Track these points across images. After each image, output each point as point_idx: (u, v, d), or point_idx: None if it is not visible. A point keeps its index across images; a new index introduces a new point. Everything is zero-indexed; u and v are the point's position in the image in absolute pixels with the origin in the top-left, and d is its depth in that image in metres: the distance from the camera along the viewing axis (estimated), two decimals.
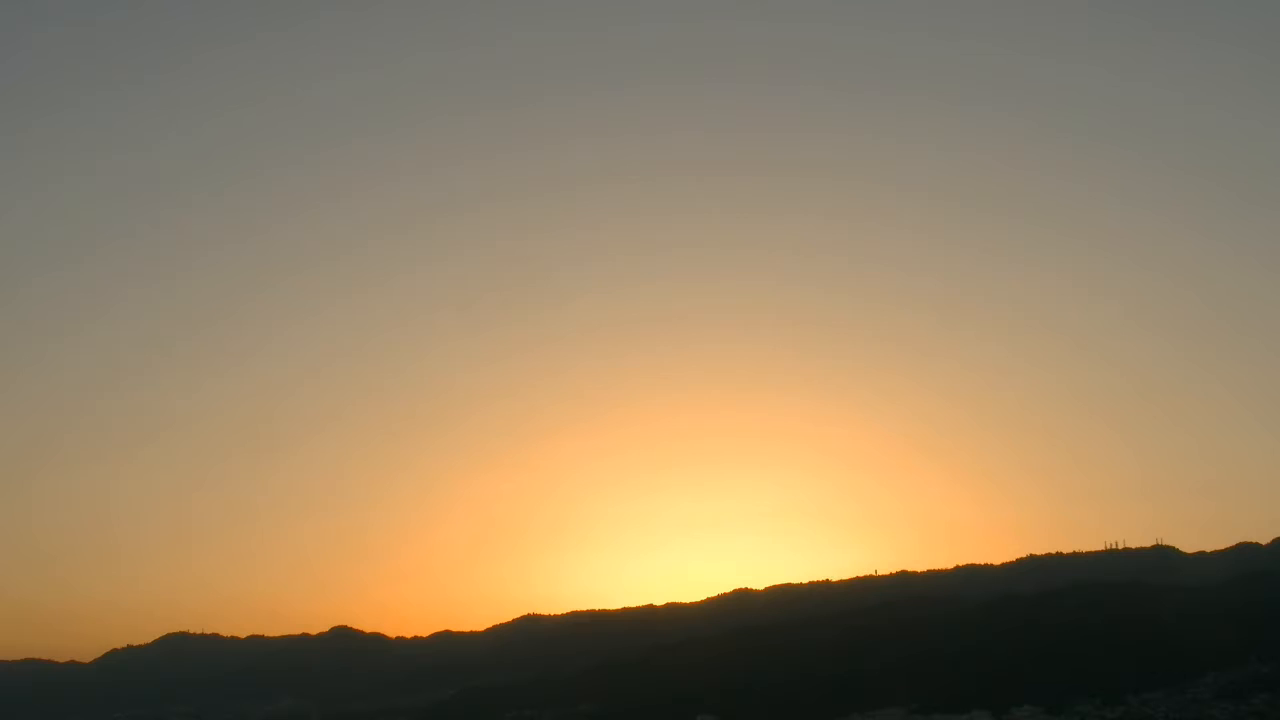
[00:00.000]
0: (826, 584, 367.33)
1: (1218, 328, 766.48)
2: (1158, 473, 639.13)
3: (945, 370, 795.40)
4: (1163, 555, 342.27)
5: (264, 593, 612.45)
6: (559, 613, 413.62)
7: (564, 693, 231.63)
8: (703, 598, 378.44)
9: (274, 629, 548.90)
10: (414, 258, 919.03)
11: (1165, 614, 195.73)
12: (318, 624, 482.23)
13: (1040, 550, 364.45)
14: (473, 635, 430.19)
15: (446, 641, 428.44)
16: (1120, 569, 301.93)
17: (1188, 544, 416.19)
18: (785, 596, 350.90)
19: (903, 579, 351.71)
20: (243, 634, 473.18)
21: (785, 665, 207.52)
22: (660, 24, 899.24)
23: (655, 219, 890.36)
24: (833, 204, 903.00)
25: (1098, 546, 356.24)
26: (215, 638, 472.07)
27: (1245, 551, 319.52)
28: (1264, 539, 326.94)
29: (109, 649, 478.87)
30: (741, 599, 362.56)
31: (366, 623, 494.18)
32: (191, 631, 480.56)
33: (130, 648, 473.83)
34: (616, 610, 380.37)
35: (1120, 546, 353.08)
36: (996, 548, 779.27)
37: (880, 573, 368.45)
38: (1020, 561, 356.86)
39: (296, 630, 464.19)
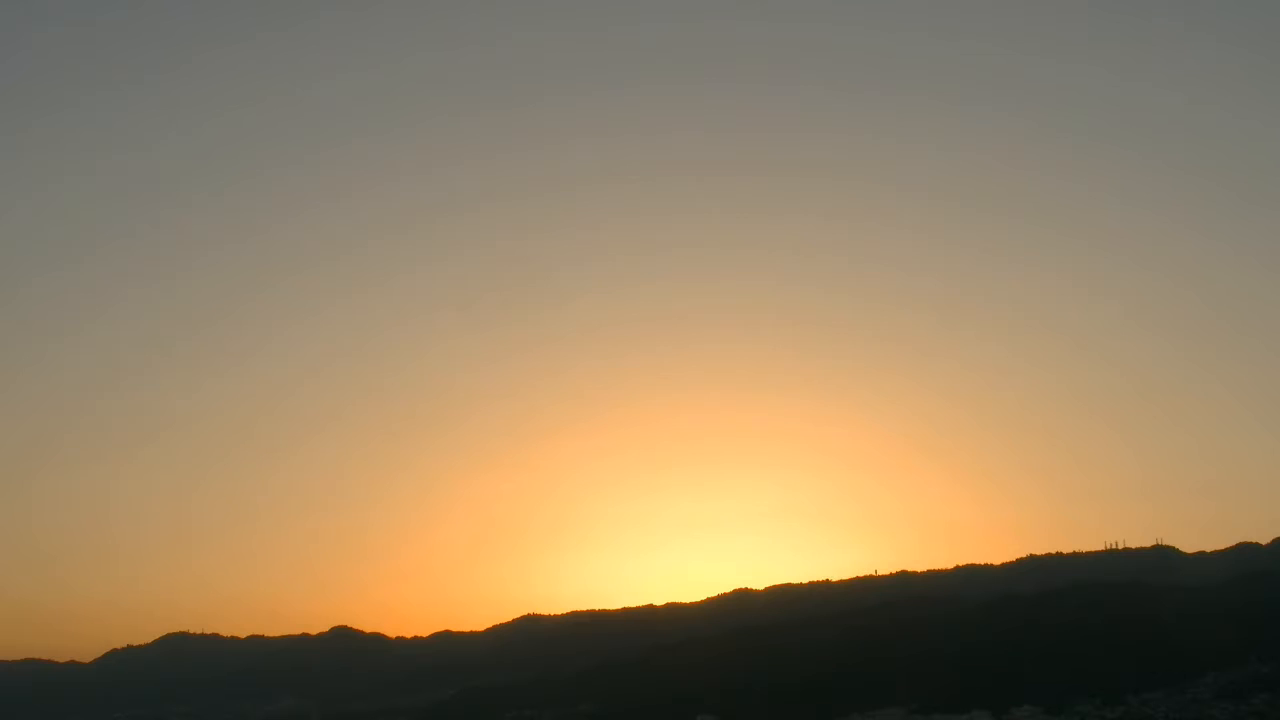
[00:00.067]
0: (826, 584, 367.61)
1: (1218, 328, 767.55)
2: (1158, 473, 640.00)
3: (945, 370, 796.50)
4: (1163, 555, 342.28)
5: (264, 593, 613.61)
6: (559, 613, 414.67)
7: (564, 693, 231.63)
8: (703, 598, 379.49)
9: (274, 629, 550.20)
10: (414, 258, 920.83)
11: (1165, 614, 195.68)
12: (318, 624, 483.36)
13: (1040, 550, 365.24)
14: (473, 635, 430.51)
15: (446, 641, 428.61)
16: (1120, 569, 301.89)
17: (1188, 544, 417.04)
18: (785, 596, 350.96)
19: (903, 579, 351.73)
20: (243, 634, 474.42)
21: (785, 665, 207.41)
22: (660, 24, 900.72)
23: (655, 219, 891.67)
24: (833, 204, 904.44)
25: (1098, 546, 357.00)
26: (215, 638, 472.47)
27: (1245, 551, 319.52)
28: (1264, 539, 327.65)
29: (109, 649, 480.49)
30: (741, 599, 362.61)
31: (366, 623, 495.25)
32: (191, 631, 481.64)
33: (130, 648, 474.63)
34: (616, 610, 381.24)
35: (1120, 546, 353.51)
36: (996, 548, 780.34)
37: (880, 573, 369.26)
38: (1020, 561, 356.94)
39: (296, 630, 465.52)
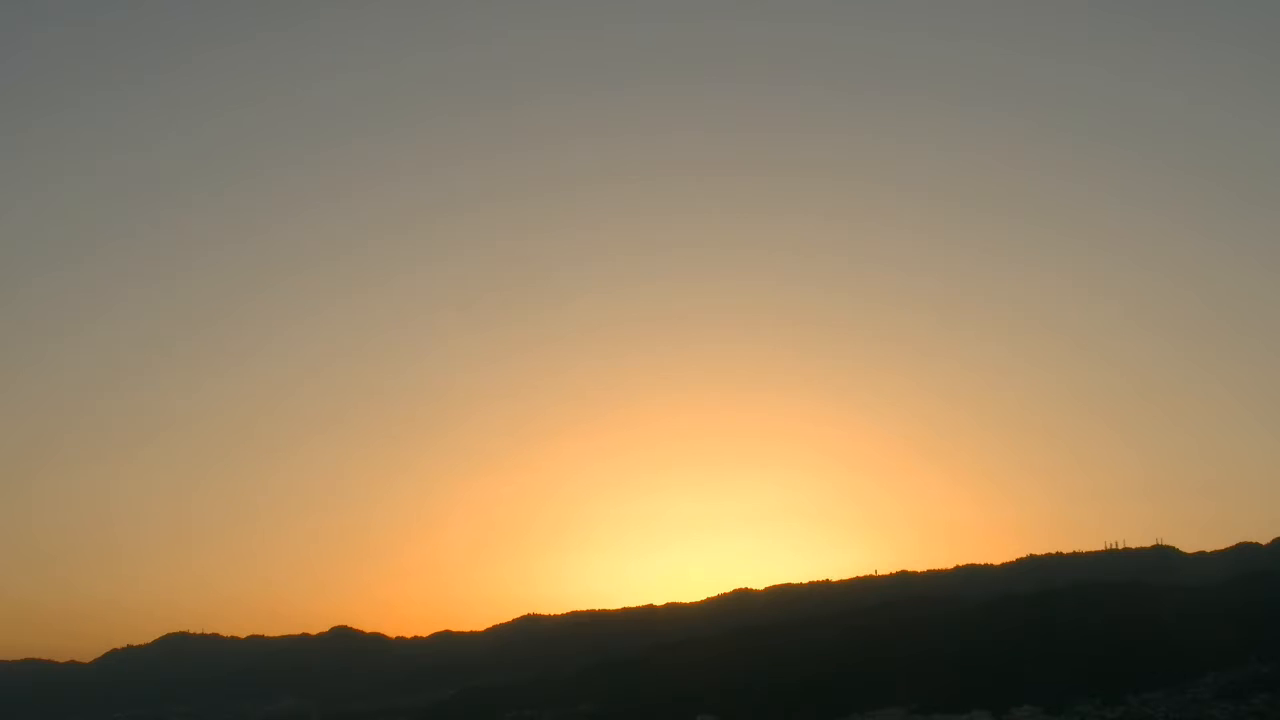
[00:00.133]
0: (826, 584, 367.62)
1: (1218, 328, 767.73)
2: (1158, 473, 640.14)
3: (945, 370, 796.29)
4: (1163, 555, 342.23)
5: (264, 593, 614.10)
6: (559, 613, 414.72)
7: (564, 693, 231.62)
8: (703, 598, 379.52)
9: (274, 629, 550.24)
10: (414, 257, 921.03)
11: (1165, 614, 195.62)
12: (318, 624, 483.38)
13: (1040, 550, 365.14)
14: (473, 635, 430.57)
15: (446, 641, 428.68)
16: (1120, 569, 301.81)
17: (1188, 544, 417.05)
18: (785, 596, 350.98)
19: (903, 579, 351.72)
20: (243, 634, 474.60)
21: (785, 665, 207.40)
22: (660, 23, 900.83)
23: (655, 219, 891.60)
24: (833, 204, 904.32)
25: (1098, 546, 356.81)
26: (215, 638, 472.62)
27: (1245, 551, 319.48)
28: (1264, 539, 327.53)
29: (109, 649, 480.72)
30: (741, 599, 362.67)
31: (366, 623, 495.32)
32: (191, 631, 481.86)
33: (130, 648, 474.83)
34: (616, 610, 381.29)
35: (1120, 546, 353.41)
36: (996, 548, 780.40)
37: (880, 573, 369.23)
38: (1020, 561, 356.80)
39: (296, 630, 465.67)
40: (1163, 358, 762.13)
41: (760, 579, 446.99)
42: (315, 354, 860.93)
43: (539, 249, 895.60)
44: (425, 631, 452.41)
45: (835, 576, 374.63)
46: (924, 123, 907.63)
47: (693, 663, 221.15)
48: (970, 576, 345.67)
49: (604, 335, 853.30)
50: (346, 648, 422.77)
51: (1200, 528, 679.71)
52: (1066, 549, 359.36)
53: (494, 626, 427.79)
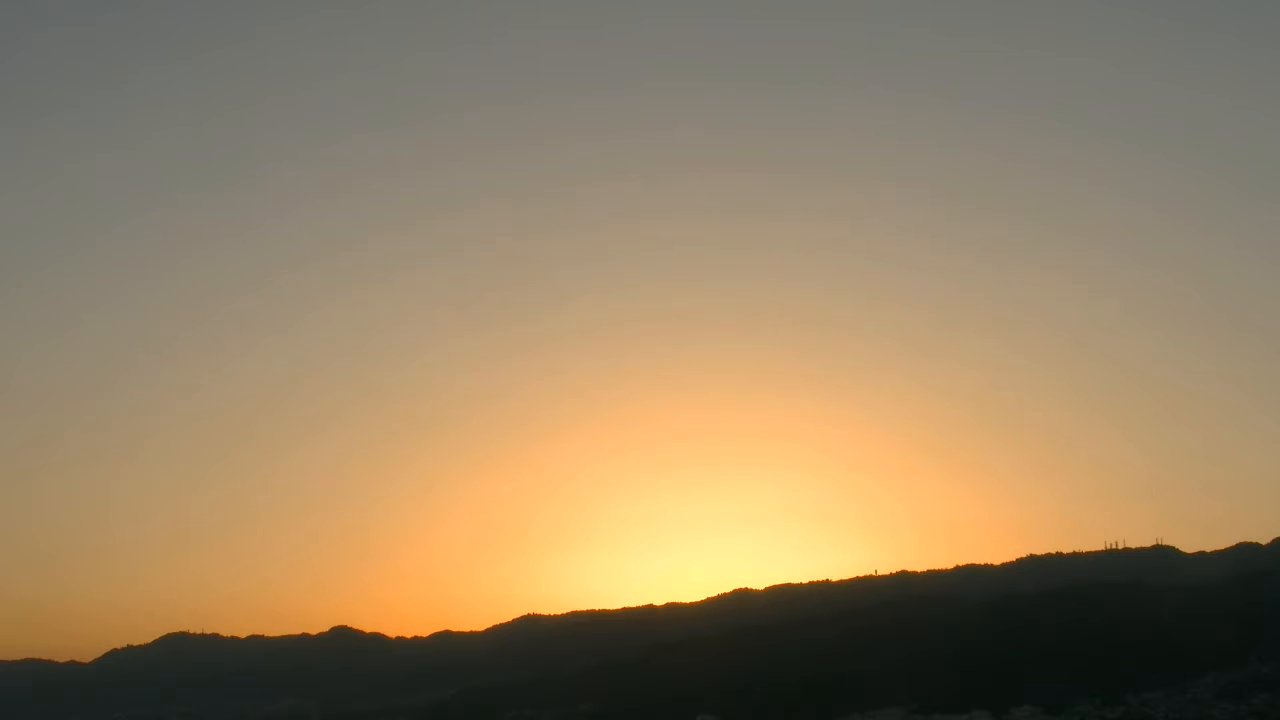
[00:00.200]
0: (826, 584, 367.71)
1: (1219, 325, 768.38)
2: (1158, 472, 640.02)
3: (945, 370, 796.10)
4: (1163, 555, 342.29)
5: (264, 593, 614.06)
6: (559, 613, 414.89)
7: (564, 693, 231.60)
8: (703, 598, 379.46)
9: (274, 629, 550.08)
10: (414, 255, 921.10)
11: (1165, 614, 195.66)
12: (318, 624, 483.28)
13: (1040, 550, 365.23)
14: (473, 635, 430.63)
15: (446, 641, 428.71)
16: (1120, 569, 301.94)
17: (1188, 544, 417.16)
18: (785, 596, 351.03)
19: (903, 579, 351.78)
20: (243, 634, 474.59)
21: (785, 665, 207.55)
22: (660, 21, 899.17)
23: (655, 217, 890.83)
24: (833, 201, 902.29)
25: (1098, 546, 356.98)
26: (215, 638, 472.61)
27: (1245, 551, 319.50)
28: (1264, 539, 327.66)
29: (109, 649, 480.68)
30: (741, 599, 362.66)
31: (366, 623, 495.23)
32: (191, 631, 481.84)
33: (130, 648, 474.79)
34: (616, 610, 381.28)
35: (1120, 546, 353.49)
36: (996, 548, 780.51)
37: (880, 573, 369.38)
38: (1020, 561, 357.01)
39: (296, 630, 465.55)
40: (1163, 356, 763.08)
41: (760, 579, 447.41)
42: (315, 352, 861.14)
43: (539, 247, 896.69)
44: (425, 631, 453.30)
45: (835, 576, 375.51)
46: (925, 120, 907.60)
47: (693, 663, 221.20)
48: (970, 576, 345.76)
49: (604, 335, 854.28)
50: (346, 648, 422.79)
51: (1200, 528, 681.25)
52: (1067, 549, 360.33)
53: (494, 626, 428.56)
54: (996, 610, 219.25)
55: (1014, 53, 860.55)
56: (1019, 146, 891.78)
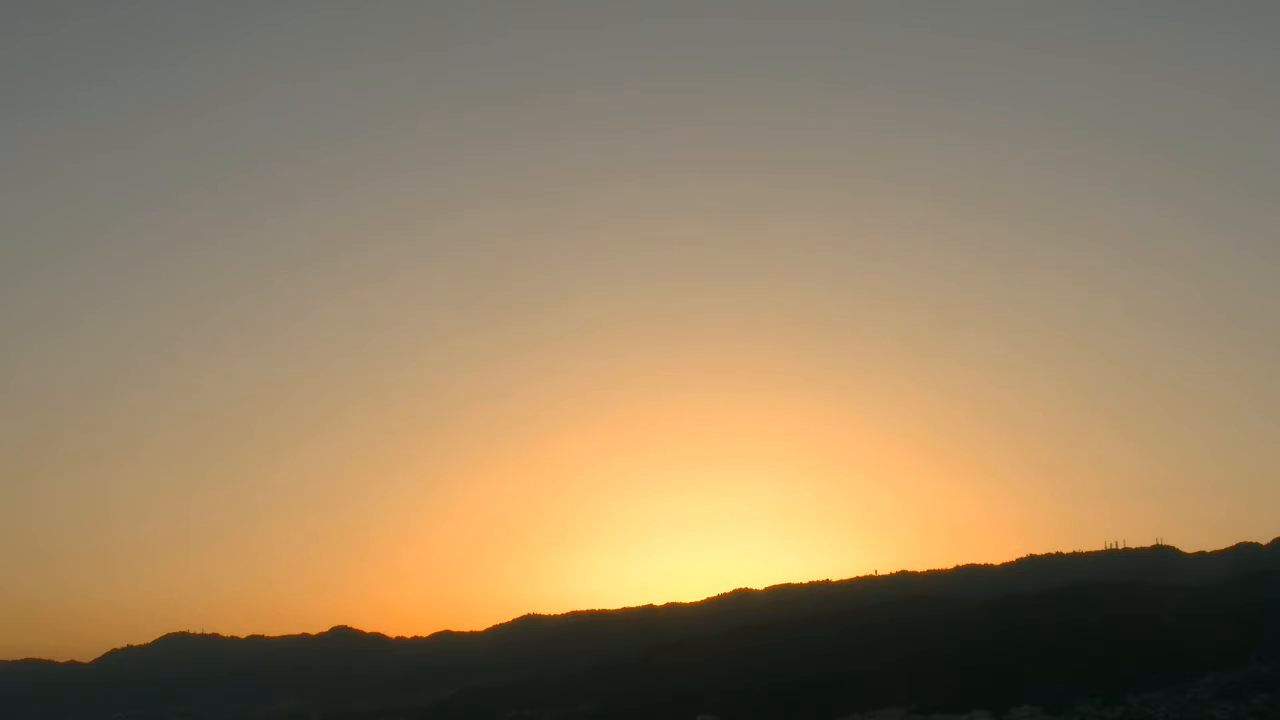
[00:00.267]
0: (826, 584, 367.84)
1: (1219, 325, 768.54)
2: (1158, 472, 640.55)
3: (945, 370, 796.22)
4: (1163, 555, 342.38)
5: (264, 593, 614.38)
6: (559, 613, 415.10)
7: (564, 693, 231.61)
8: (703, 598, 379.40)
9: (274, 629, 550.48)
10: (414, 255, 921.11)
11: (1165, 614, 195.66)
12: (318, 624, 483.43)
13: (1040, 550, 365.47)
14: (473, 635, 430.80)
15: (446, 641, 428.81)
16: (1120, 569, 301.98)
17: (1188, 544, 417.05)
18: (785, 596, 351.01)
19: (903, 579, 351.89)
20: (243, 634, 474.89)
21: (785, 665, 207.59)
22: (660, 20, 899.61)
23: (655, 217, 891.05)
24: (833, 202, 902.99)
25: (1098, 546, 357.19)
26: (215, 638, 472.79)
27: (1245, 551, 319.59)
28: (1264, 539, 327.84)
29: (109, 649, 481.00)
30: (741, 599, 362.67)
31: (366, 623, 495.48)
32: (191, 631, 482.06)
33: (130, 648, 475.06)
34: (616, 610, 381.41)
35: (1120, 546, 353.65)
36: (996, 548, 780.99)
37: (880, 573, 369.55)
38: (1020, 561, 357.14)
39: (296, 630, 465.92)
40: (1163, 356, 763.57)
41: (760, 579, 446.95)
42: (315, 352, 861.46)
43: (539, 247, 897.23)
44: (425, 631, 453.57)
45: (835, 576, 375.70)
46: (925, 120, 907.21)
47: (693, 663, 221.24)
48: (970, 576, 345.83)
49: (604, 335, 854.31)
50: (346, 648, 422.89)
51: (1200, 528, 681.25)
52: (1067, 549, 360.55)
53: (494, 626, 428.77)
54: (996, 610, 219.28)
55: (1014, 53, 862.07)
56: (1019, 146, 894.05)
